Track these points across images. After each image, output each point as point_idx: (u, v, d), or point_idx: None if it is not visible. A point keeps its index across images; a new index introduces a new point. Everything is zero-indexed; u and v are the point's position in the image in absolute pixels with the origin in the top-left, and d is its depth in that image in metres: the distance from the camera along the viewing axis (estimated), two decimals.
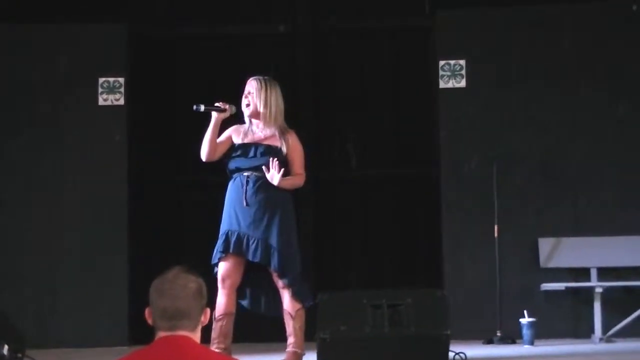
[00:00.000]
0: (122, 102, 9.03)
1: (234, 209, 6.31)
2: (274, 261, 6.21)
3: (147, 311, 3.04)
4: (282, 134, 6.37)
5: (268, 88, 6.38)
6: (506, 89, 8.95)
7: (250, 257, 6.24)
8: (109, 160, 8.96)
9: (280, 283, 6.29)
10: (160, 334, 3.00)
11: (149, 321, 3.04)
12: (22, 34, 9.10)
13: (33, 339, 6.82)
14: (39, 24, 9.10)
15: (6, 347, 6.02)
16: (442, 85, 8.97)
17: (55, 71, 9.05)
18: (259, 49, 9.56)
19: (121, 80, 9.03)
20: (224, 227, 6.33)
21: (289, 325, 6.31)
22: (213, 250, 6.35)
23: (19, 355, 6.16)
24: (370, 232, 9.53)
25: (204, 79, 9.38)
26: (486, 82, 8.97)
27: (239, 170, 6.35)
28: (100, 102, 9.03)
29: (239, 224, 6.27)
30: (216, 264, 6.31)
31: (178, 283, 2.98)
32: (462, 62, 8.97)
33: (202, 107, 6.32)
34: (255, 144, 6.35)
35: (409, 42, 9.60)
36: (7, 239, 8.88)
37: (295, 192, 6.52)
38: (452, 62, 8.97)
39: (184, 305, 2.97)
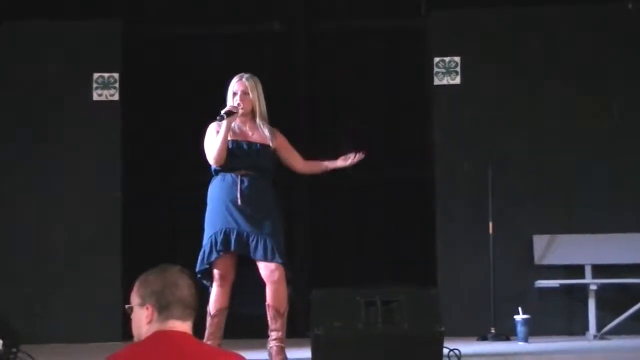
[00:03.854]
0: (116, 97, 9.02)
1: (228, 207, 6.30)
2: (277, 257, 6.24)
3: (149, 309, 3.06)
4: (271, 131, 6.43)
5: (258, 86, 6.42)
6: (501, 86, 8.95)
7: (252, 255, 6.26)
8: (103, 155, 8.95)
9: (271, 277, 6.29)
10: (168, 324, 3.06)
11: (146, 319, 3.07)
12: (16, 30, 9.08)
13: (25, 335, 6.80)
14: (32, 20, 9.09)
15: (0, 342, 6.02)
16: (436, 82, 8.97)
17: (49, 67, 9.03)
18: (253, 47, 9.56)
19: (116, 75, 9.02)
20: (216, 227, 6.31)
21: (277, 322, 6.31)
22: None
23: (14, 350, 6.16)
24: (364, 232, 9.53)
25: (198, 76, 9.37)
26: (481, 80, 8.97)
27: (231, 169, 6.34)
28: (95, 97, 9.02)
29: (236, 222, 6.27)
30: (211, 263, 6.31)
31: (184, 276, 3.15)
32: (457, 59, 8.97)
33: (225, 116, 6.28)
34: (248, 143, 6.36)
35: (403, 42, 9.60)
36: None
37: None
38: (446, 59, 8.97)
39: (194, 296, 3.14)
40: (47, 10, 9.14)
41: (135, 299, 3.12)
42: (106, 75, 9.01)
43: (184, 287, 3.10)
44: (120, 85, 9.00)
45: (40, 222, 8.89)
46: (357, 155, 6.34)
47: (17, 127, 8.96)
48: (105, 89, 9.01)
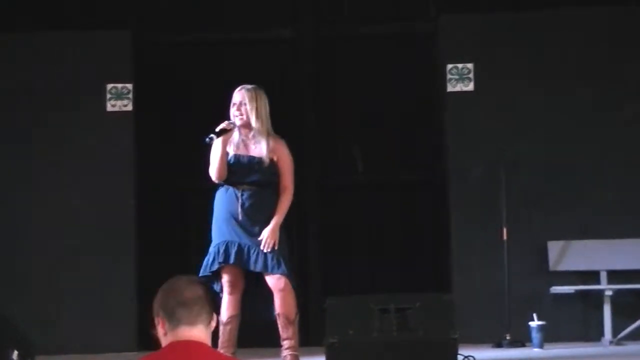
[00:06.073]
0: (130, 108, 9.05)
1: (230, 220, 6.34)
2: (276, 268, 6.24)
3: (160, 322, 3.06)
4: (273, 144, 6.40)
5: (259, 98, 6.41)
6: (514, 91, 8.94)
7: (251, 267, 6.28)
8: (117, 165, 8.98)
9: (277, 286, 6.30)
10: (179, 332, 3.04)
11: (161, 331, 3.07)
12: (30, 41, 9.12)
13: (39, 345, 6.82)
14: (45, 32, 9.12)
15: (16, 352, 6.03)
16: (449, 88, 8.96)
17: (63, 78, 9.06)
18: (263, 54, 9.56)
19: (129, 86, 9.05)
20: (220, 237, 6.36)
21: (288, 330, 6.31)
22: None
23: None
24: (376, 237, 9.52)
25: (211, 85, 9.38)
26: (494, 86, 8.96)
27: (233, 183, 6.37)
28: (109, 108, 9.05)
29: (238, 236, 6.30)
30: (212, 273, 6.33)
31: (185, 280, 3.11)
32: (470, 65, 8.97)
33: (215, 137, 6.29)
34: (249, 157, 6.37)
35: (414, 46, 9.58)
36: (13, 243, 8.89)
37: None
38: (459, 65, 8.97)
39: (203, 295, 3.08)
40: (58, 20, 9.17)
41: (154, 315, 3.13)
42: (119, 86, 9.05)
43: (183, 290, 3.06)
44: (133, 95, 9.03)
45: (54, 231, 8.91)
46: (268, 244, 6.29)
47: (32, 136, 8.98)
48: (119, 99, 9.04)
